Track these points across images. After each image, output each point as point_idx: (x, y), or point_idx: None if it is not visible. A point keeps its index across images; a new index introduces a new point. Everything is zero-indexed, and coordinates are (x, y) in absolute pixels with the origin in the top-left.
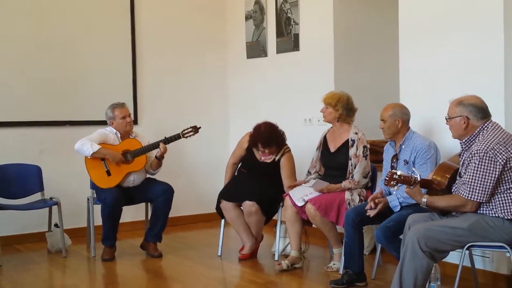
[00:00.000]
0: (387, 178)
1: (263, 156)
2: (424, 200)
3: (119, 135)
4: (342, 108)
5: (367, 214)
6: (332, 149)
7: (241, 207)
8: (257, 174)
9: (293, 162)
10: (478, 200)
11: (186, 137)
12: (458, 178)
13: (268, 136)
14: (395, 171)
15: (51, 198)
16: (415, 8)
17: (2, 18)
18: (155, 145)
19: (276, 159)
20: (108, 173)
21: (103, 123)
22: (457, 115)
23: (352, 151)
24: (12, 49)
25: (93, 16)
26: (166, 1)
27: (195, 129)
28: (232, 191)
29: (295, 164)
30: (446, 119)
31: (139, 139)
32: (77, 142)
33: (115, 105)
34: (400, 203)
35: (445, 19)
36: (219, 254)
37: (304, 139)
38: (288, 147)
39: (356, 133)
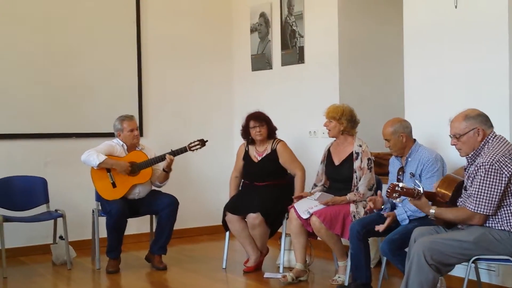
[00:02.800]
0: (389, 190)
1: (258, 156)
2: (432, 211)
3: (125, 147)
4: (347, 121)
5: (376, 229)
6: (337, 162)
7: (246, 220)
8: (260, 177)
9: (289, 148)
10: (484, 213)
11: (193, 150)
12: (463, 191)
13: (259, 113)
14: (397, 183)
15: (56, 210)
16: (420, 20)
17: (9, 31)
18: (161, 158)
19: (271, 150)
20: (114, 185)
21: (109, 135)
22: (469, 129)
23: (356, 164)
24: (17, 61)
25: (100, 28)
26: (172, 13)
27: (202, 143)
28: (237, 204)
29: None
30: (455, 138)
31: (146, 152)
32: (84, 153)
33: (124, 117)
34: (408, 217)
35: (450, 30)
36: (224, 266)
37: (309, 152)
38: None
39: (360, 146)
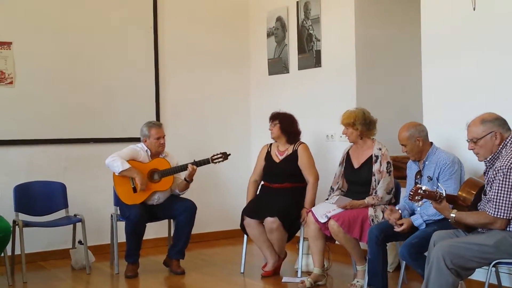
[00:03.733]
0: (412, 193)
1: (279, 155)
2: (452, 215)
3: (149, 153)
4: (361, 125)
5: (394, 229)
6: (356, 165)
7: (264, 224)
8: (279, 178)
9: (309, 152)
10: (505, 217)
11: (215, 162)
12: (483, 196)
13: (278, 112)
14: (420, 186)
15: (75, 215)
16: (437, 23)
17: (28, 37)
18: (183, 167)
19: (293, 150)
20: (134, 190)
21: (127, 140)
22: (486, 133)
23: (375, 167)
24: (37, 68)
25: (117, 34)
26: (188, 19)
27: (225, 156)
28: (255, 208)
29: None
30: (473, 142)
31: (169, 159)
32: (108, 157)
33: (152, 124)
34: (424, 221)
35: (469, 33)
36: (241, 271)
37: (326, 155)
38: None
39: (380, 149)
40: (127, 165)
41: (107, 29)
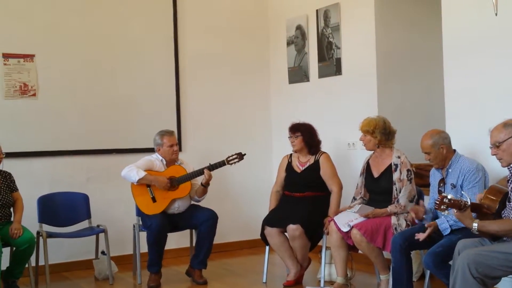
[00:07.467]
0: (438, 202)
1: (301, 166)
2: (474, 225)
3: (164, 162)
4: (380, 134)
5: (416, 238)
6: (376, 174)
7: (285, 233)
8: (301, 188)
9: (331, 161)
10: None
11: (231, 164)
12: (507, 203)
13: (298, 123)
14: (445, 194)
15: (98, 226)
16: (459, 29)
17: (51, 49)
18: (199, 172)
19: (314, 160)
20: (154, 199)
21: (148, 150)
22: (508, 136)
23: (396, 176)
24: (60, 79)
25: (138, 45)
26: (208, 28)
27: (240, 156)
28: (276, 217)
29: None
30: (495, 147)
31: (184, 166)
32: (124, 169)
33: (164, 132)
34: (450, 226)
35: (491, 39)
36: (264, 280)
37: (348, 164)
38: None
39: (399, 157)
40: (142, 173)
41: (128, 41)
